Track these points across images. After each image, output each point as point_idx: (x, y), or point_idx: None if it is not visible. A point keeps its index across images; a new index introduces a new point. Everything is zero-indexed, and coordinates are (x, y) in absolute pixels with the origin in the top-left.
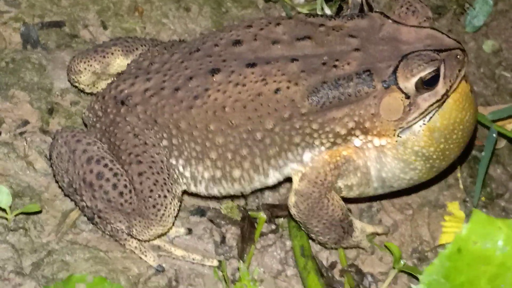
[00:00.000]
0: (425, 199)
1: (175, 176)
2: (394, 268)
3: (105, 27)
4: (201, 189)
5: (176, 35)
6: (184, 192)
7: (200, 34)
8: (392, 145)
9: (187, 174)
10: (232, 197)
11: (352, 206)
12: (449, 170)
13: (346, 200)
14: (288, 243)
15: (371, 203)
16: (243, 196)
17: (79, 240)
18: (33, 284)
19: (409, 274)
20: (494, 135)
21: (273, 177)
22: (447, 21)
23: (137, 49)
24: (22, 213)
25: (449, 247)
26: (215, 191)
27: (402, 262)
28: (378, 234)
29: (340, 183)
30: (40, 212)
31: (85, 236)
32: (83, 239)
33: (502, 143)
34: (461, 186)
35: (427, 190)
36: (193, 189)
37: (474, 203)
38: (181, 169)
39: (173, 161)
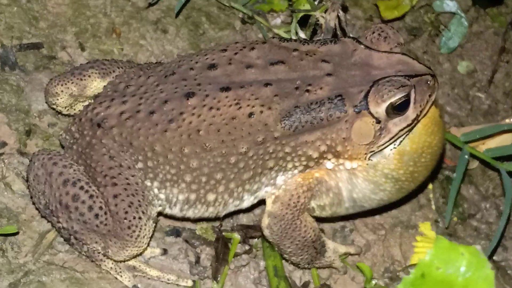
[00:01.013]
0: (398, 219)
1: (150, 197)
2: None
3: (83, 49)
4: (176, 211)
5: (154, 56)
6: (160, 213)
7: (177, 55)
8: (363, 167)
9: (162, 196)
10: (208, 218)
11: (326, 226)
12: (420, 190)
13: (320, 220)
14: (262, 263)
15: (344, 223)
16: (218, 217)
17: (56, 261)
18: None
19: None
20: (466, 156)
21: (248, 201)
22: (422, 43)
23: (114, 71)
24: None
25: (413, 272)
26: (189, 213)
27: (373, 282)
28: (350, 254)
29: (313, 203)
30: (17, 233)
31: (62, 257)
32: (59, 260)
33: (475, 163)
34: (433, 207)
35: (399, 211)
36: (168, 211)
37: (445, 223)
38: (156, 191)
39: (148, 183)
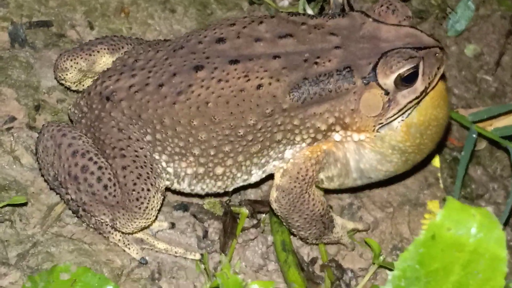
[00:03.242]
0: (406, 197)
1: (159, 170)
2: (373, 264)
3: (92, 28)
4: (184, 186)
5: (162, 35)
6: (168, 189)
7: (185, 33)
8: (371, 139)
9: (170, 170)
10: (216, 194)
11: (334, 204)
12: (426, 167)
13: (328, 193)
14: (270, 238)
15: (352, 200)
16: (226, 192)
17: (64, 233)
18: (18, 274)
19: (389, 270)
20: (474, 135)
21: (256, 175)
22: (429, 26)
23: (122, 47)
24: (8, 205)
25: (424, 233)
26: (198, 188)
27: (381, 258)
28: (358, 230)
29: (322, 175)
30: (26, 204)
31: (70, 229)
32: (67, 232)
33: (483, 144)
34: (441, 185)
35: (407, 189)
36: (176, 185)
37: None
38: (164, 164)
39: (157, 156)
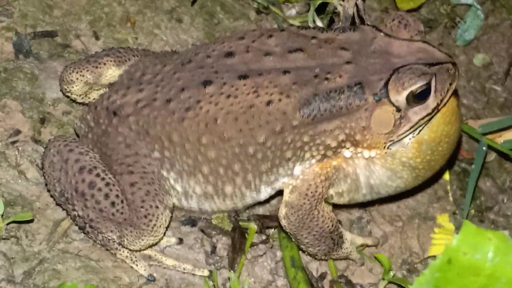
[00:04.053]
0: (415, 211)
1: (167, 187)
2: (383, 279)
3: (97, 38)
4: (193, 204)
5: (168, 46)
6: (176, 207)
7: (192, 45)
8: (381, 155)
9: (179, 188)
10: (225, 211)
11: (343, 218)
12: (436, 182)
13: (337, 208)
14: (279, 253)
15: (361, 214)
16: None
17: (71, 249)
18: None
19: (399, 285)
20: (484, 148)
21: (265, 193)
22: (438, 35)
23: (129, 59)
24: (13, 221)
25: (440, 257)
26: (206, 206)
27: (391, 273)
28: (368, 245)
29: (331, 191)
30: (32, 221)
31: (77, 245)
32: (74, 248)
33: (492, 156)
34: (451, 199)
35: (417, 202)
36: (184, 203)
37: (463, 216)
38: (172, 182)
39: (165, 173)
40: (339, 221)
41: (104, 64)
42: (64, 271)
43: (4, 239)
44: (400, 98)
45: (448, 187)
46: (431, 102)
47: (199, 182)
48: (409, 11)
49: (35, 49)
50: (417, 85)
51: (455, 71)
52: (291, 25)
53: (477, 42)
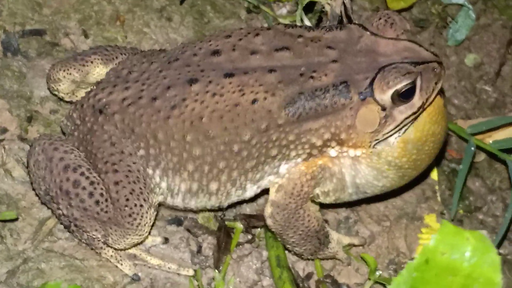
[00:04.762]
0: (403, 211)
1: (152, 185)
2: (369, 279)
3: (86, 36)
4: (178, 201)
5: (158, 44)
6: (161, 204)
7: (181, 43)
8: (367, 155)
9: (164, 185)
10: (210, 209)
11: (330, 217)
12: (424, 181)
13: (324, 208)
14: (265, 253)
15: (349, 214)
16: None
17: (55, 248)
18: None
19: (385, 286)
20: (473, 148)
21: (251, 190)
22: (429, 35)
23: (116, 57)
24: None
25: (417, 258)
26: (192, 203)
27: (378, 273)
28: (354, 245)
29: (317, 190)
30: (16, 219)
31: (61, 244)
32: (59, 247)
33: (482, 156)
34: (439, 199)
35: (404, 202)
36: (169, 200)
37: (451, 216)
38: (157, 179)
39: (150, 171)
40: (326, 221)
41: (92, 62)
42: (48, 270)
43: None
44: (385, 97)
45: (437, 187)
46: (417, 101)
47: (184, 180)
48: (400, 11)
49: (24, 47)
50: (402, 84)
51: (440, 70)
52: (279, 23)
53: (469, 42)
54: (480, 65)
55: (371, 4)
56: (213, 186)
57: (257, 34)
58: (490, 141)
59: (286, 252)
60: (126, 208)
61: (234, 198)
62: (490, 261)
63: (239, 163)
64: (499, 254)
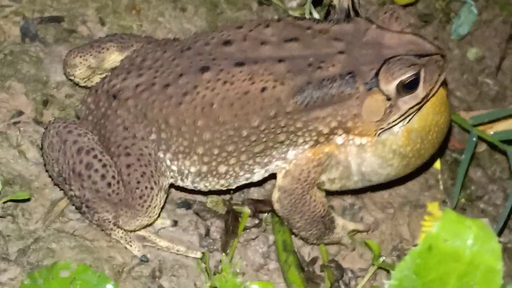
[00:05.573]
0: (406, 198)
1: (162, 169)
2: (373, 264)
3: (103, 24)
4: (188, 183)
5: (172, 34)
6: (172, 185)
7: (194, 33)
8: (372, 143)
9: (174, 168)
10: (219, 191)
11: (335, 204)
12: (427, 170)
13: (329, 195)
14: (271, 237)
15: (354, 201)
16: (229, 190)
17: (66, 229)
18: (18, 270)
19: (388, 271)
20: (474, 138)
21: (258, 174)
22: (433, 29)
23: (132, 45)
24: (11, 200)
25: (420, 244)
26: (201, 185)
27: (381, 259)
28: (359, 231)
29: (323, 177)
30: (29, 200)
31: (72, 225)
32: (70, 228)
33: (483, 147)
34: (442, 188)
35: (408, 190)
36: (179, 182)
37: (453, 204)
38: (168, 162)
39: (161, 155)
40: (332, 207)
41: (107, 49)
42: (59, 250)
43: (0, 217)
44: (390, 87)
45: (439, 176)
46: (420, 92)
47: (194, 162)
48: (406, 5)
49: (42, 33)
50: (406, 75)
51: (444, 62)
52: (289, 15)
53: (471, 36)
54: (482, 59)
55: None
56: (222, 169)
57: (268, 26)
58: (491, 132)
59: (292, 236)
60: (137, 190)
61: (242, 181)
62: (491, 249)
63: (248, 147)
64: (500, 242)
